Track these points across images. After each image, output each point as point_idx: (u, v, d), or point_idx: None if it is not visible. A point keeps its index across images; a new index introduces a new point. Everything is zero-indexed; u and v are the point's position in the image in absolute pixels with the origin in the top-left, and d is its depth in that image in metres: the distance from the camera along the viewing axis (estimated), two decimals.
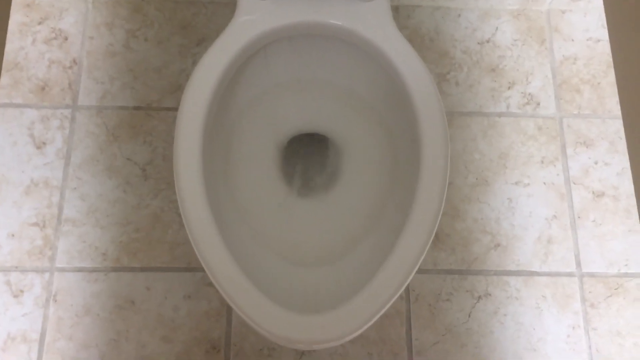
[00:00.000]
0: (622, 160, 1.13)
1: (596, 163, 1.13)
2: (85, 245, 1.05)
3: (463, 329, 1.03)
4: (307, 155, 0.94)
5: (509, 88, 1.18)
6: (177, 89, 1.15)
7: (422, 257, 0.73)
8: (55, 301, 1.01)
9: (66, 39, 1.18)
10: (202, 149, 0.76)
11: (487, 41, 1.21)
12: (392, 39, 0.79)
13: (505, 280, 1.06)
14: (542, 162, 1.13)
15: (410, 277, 0.71)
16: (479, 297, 1.05)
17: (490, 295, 1.05)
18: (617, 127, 1.16)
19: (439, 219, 0.75)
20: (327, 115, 0.92)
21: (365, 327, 0.69)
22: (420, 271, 1.06)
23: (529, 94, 1.18)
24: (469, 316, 1.04)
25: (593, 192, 1.12)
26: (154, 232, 1.06)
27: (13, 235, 1.04)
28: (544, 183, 1.12)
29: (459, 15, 1.23)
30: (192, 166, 0.75)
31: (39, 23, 1.18)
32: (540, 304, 1.04)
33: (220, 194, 0.84)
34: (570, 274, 1.07)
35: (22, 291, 1.02)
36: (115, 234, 1.06)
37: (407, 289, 1.05)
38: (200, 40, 1.19)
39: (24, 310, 1.01)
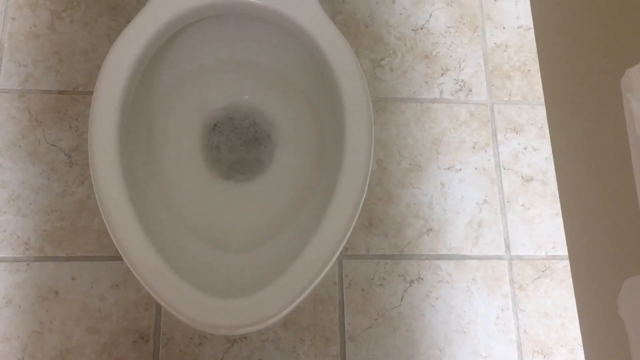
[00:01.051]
0: (549, 146, 1.16)
1: (525, 148, 1.16)
2: (6, 235, 1.00)
3: (395, 313, 1.03)
4: (235, 138, 0.92)
5: (442, 74, 1.19)
6: None
7: (345, 240, 0.72)
8: None
9: None
10: (119, 132, 0.74)
11: (421, 28, 1.22)
12: (316, 20, 0.77)
13: (437, 264, 1.07)
14: (474, 147, 1.15)
15: (333, 259, 0.71)
16: (412, 281, 1.05)
17: (422, 279, 1.06)
18: (545, 113, 1.18)
19: (362, 201, 0.75)
20: (254, 98, 0.91)
21: (288, 309, 0.68)
22: (353, 256, 1.06)
23: (462, 80, 1.19)
24: (402, 300, 1.04)
25: (522, 177, 1.14)
26: (79, 220, 1.03)
27: None
28: (476, 168, 1.13)
29: (394, 2, 1.23)
30: (108, 152, 0.72)
31: None
32: (470, 287, 1.06)
33: (142, 179, 0.82)
34: (499, 257, 1.08)
35: None
36: (39, 222, 1.02)
37: (341, 274, 1.04)
38: (129, 23, 1.15)
39: None
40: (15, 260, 0.99)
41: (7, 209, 1.02)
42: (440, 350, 1.02)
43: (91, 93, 1.10)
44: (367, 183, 0.75)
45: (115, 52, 0.77)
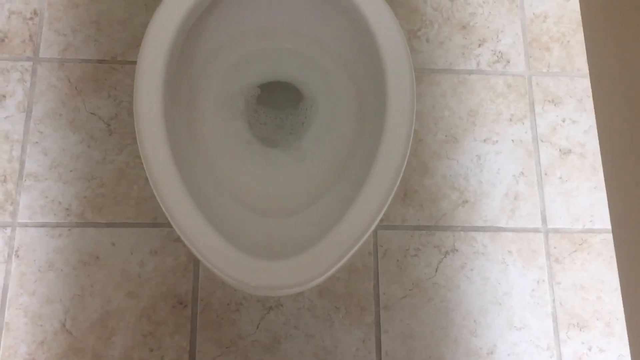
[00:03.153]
0: (589, 118, 1.14)
1: (564, 121, 1.14)
2: (48, 200, 1.03)
3: (430, 284, 1.04)
4: (275, 105, 0.93)
5: (479, 45, 1.18)
6: None
7: (386, 205, 0.72)
8: (18, 256, 0.99)
9: None
10: (163, 100, 0.74)
11: None
12: None
13: (472, 235, 1.07)
14: (511, 119, 1.14)
15: (375, 224, 0.71)
16: (446, 253, 1.05)
17: (457, 250, 1.06)
18: (585, 85, 1.16)
19: (403, 168, 0.75)
20: (294, 65, 0.91)
21: (330, 271, 0.69)
22: (388, 227, 1.06)
23: (499, 51, 1.17)
24: (436, 271, 1.04)
25: (560, 150, 1.12)
26: (119, 188, 1.04)
27: None
28: (512, 140, 1.12)
29: None
30: (153, 117, 0.73)
31: None
32: (506, 259, 1.06)
33: (185, 144, 0.83)
34: (536, 230, 1.08)
35: None
36: (80, 189, 1.04)
37: (376, 245, 1.05)
38: None
39: None
40: (58, 225, 1.02)
41: (49, 175, 1.04)
42: (475, 321, 1.02)
43: (129, 62, 1.12)
44: (408, 154, 0.75)
45: (157, 21, 0.77)
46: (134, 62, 1.11)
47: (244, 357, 0.98)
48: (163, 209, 0.70)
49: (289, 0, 0.86)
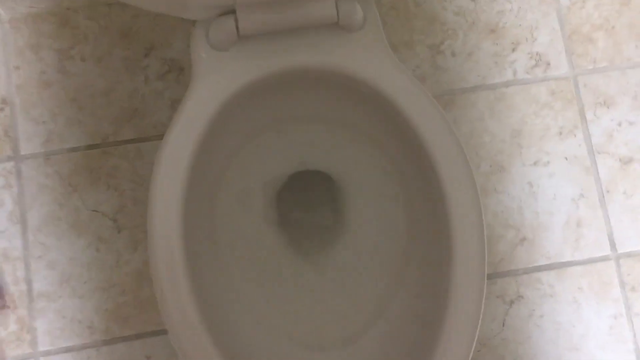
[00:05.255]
0: None
1: (620, 124, 1.00)
2: (67, 321, 0.92)
3: (499, 340, 0.94)
4: (306, 202, 0.80)
5: (513, 50, 1.02)
6: (133, 114, 0.98)
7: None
8: None
9: None
10: (183, 224, 0.63)
11: None
12: (390, 75, 0.62)
13: (537, 277, 0.96)
14: (561, 133, 1.00)
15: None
16: (511, 302, 0.95)
17: (522, 297, 0.96)
18: (638, 77, 1.02)
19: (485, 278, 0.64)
20: (323, 155, 0.77)
21: None
22: None
23: (537, 53, 1.02)
24: (503, 325, 0.95)
25: (620, 159, 1.00)
26: (141, 292, 0.93)
27: None
28: (566, 158, 0.99)
29: None
30: (172, 243, 0.62)
31: None
32: (577, 297, 0.96)
33: (208, 270, 0.71)
34: (605, 258, 0.97)
35: None
36: (98, 301, 0.93)
37: None
38: (148, 49, 1.00)
39: None
40: (83, 347, 0.92)
41: (62, 292, 0.93)
42: None
43: (123, 142, 0.98)
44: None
45: (170, 144, 0.64)
46: (128, 141, 0.98)
47: None
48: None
49: (314, 93, 0.71)
